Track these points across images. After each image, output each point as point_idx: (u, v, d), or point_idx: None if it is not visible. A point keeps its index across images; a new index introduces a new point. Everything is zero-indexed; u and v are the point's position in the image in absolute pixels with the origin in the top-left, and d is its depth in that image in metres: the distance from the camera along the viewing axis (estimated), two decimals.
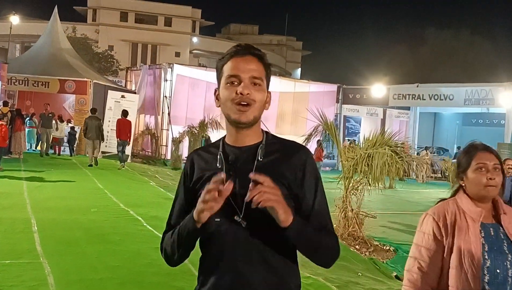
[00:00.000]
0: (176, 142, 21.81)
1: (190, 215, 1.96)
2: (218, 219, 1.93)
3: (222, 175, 1.85)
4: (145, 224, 8.75)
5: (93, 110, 19.15)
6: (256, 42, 76.42)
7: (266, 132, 2.17)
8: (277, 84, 29.68)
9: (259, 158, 2.02)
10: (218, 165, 2.04)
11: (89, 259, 6.58)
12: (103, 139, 19.18)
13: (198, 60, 65.57)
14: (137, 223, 8.86)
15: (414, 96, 30.06)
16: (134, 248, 7.22)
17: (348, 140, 33.57)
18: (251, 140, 2.08)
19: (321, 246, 2.02)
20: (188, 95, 26.35)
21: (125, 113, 18.68)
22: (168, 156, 23.77)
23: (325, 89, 30.74)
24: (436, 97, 29.04)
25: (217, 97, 2.13)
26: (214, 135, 23.36)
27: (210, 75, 27.53)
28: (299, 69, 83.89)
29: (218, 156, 2.07)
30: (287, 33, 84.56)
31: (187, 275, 6.24)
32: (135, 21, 63.49)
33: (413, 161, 10.98)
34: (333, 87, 31.24)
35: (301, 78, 51.51)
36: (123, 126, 18.39)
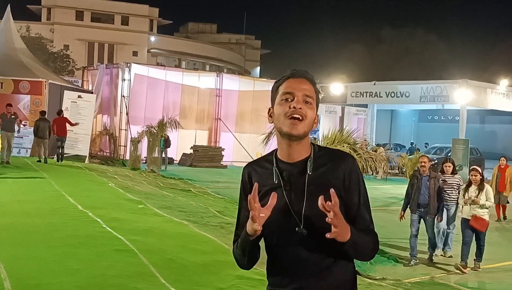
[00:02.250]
0: (135, 142, 21.56)
1: (244, 231, 2.25)
2: (301, 229, 2.22)
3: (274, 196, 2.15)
4: (104, 226, 8.63)
5: (43, 113, 20.09)
6: (214, 41, 76.33)
7: (313, 144, 2.36)
8: (236, 83, 29.69)
9: (309, 172, 2.24)
10: (274, 180, 2.28)
11: (48, 263, 6.46)
12: (49, 138, 19.87)
13: (156, 59, 64.98)
14: (96, 225, 8.73)
15: (371, 93, 30.48)
16: (94, 251, 7.11)
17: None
18: (301, 154, 2.28)
19: (368, 248, 2.28)
20: (147, 94, 26.10)
21: (59, 112, 20.32)
22: (127, 157, 23.49)
23: None
24: (392, 94, 29.52)
25: (270, 115, 2.34)
26: (174, 135, 23.24)
27: (169, 74, 27.39)
28: (258, 68, 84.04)
29: (274, 172, 2.30)
30: (246, 32, 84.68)
31: (148, 277, 6.19)
32: (91, 20, 62.52)
33: (370, 158, 11.14)
34: None
35: (260, 77, 51.58)
36: (60, 123, 19.91)
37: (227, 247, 7.80)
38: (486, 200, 8.98)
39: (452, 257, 9.75)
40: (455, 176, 10.18)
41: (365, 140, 23.30)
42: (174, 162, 25.69)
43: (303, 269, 2.24)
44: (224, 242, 8.23)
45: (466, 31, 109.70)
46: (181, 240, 8.27)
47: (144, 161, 21.77)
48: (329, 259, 2.25)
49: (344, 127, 16.22)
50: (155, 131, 20.86)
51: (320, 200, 2.06)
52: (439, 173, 10.15)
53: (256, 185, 2.14)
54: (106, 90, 26.79)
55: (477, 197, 8.97)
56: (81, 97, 22.10)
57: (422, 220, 9.55)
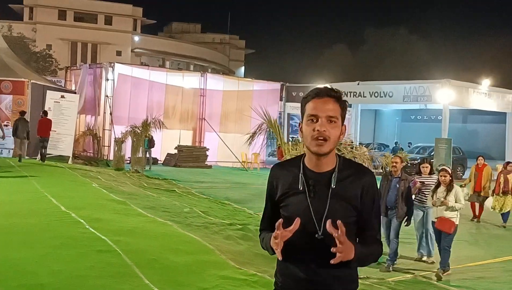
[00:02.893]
0: (119, 142, 21.45)
1: (268, 238, 2.55)
2: (320, 235, 2.49)
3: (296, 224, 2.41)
4: (87, 227, 8.56)
5: (22, 113, 20.33)
6: (198, 41, 76.19)
7: (338, 156, 2.62)
8: (220, 82, 29.66)
9: (332, 186, 2.51)
10: (299, 187, 2.55)
11: (29, 264, 6.39)
12: (28, 139, 20.06)
13: (140, 59, 64.70)
14: (79, 226, 8.66)
15: (355, 93, 30.58)
16: (76, 252, 7.06)
17: (292, 137, 33.87)
18: (327, 166, 2.56)
19: (371, 259, 2.61)
20: (131, 94, 26.02)
21: (45, 113, 20.49)
22: (111, 157, 23.38)
23: (269, 87, 30.91)
24: (376, 94, 29.65)
25: (300, 129, 2.60)
26: (158, 135, 23.15)
27: (153, 74, 27.31)
28: (243, 68, 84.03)
29: (300, 179, 2.56)
30: (230, 32, 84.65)
31: (131, 278, 6.16)
32: (74, 19, 62.07)
33: (354, 157, 11.20)
34: (277, 86, 31.47)
35: (244, 77, 51.61)
36: (44, 124, 20.12)
37: (211, 247, 7.78)
38: (456, 202, 8.61)
39: (434, 262, 9.35)
40: (433, 176, 9.80)
41: (351, 141, 23.44)
42: (159, 162, 25.62)
43: (317, 267, 2.52)
44: (208, 242, 8.22)
45: (448, 31, 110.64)
46: (164, 240, 8.23)
47: (128, 162, 21.68)
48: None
49: None
50: (139, 131, 20.77)
51: (328, 223, 2.37)
52: (416, 175, 9.93)
53: (297, 220, 2.40)
54: (90, 90, 26.64)
55: (445, 199, 8.61)
56: (64, 97, 21.94)
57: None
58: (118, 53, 61.30)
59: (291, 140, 33.29)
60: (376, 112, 43.85)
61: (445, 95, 26.45)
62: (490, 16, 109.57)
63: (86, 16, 62.70)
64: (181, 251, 7.55)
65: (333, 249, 2.34)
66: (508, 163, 14.91)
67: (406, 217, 9.12)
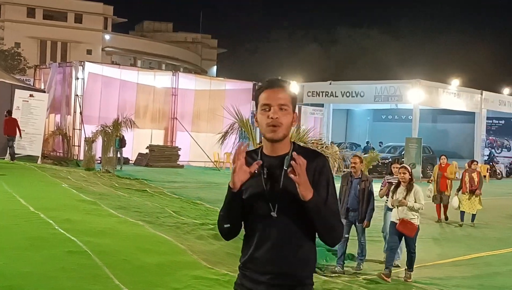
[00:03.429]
0: (89, 142, 21.19)
1: (228, 187, 2.65)
2: (274, 213, 2.63)
3: (258, 163, 2.62)
4: (57, 227, 8.44)
5: None
6: (170, 40, 75.79)
7: (294, 142, 2.79)
8: (192, 82, 29.54)
9: (285, 168, 2.64)
10: (256, 171, 2.66)
11: None
12: None
13: (111, 58, 64.06)
14: (48, 227, 8.53)
15: (327, 93, 30.82)
16: (45, 253, 6.95)
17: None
18: (281, 151, 2.72)
19: (333, 226, 2.65)
20: (101, 93, 25.75)
21: (9, 112, 20.28)
22: (81, 157, 23.08)
23: (241, 86, 30.87)
24: (348, 94, 29.92)
25: (256, 119, 2.77)
26: (129, 135, 22.94)
27: (124, 73, 27.06)
28: (215, 67, 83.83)
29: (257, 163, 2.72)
30: (202, 31, 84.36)
31: (102, 279, 6.09)
32: (43, 17, 61.11)
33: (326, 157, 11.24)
34: (249, 85, 31.44)
35: (217, 76, 51.46)
36: (11, 123, 19.90)
37: (183, 248, 7.74)
38: (415, 202, 8.19)
39: (399, 266, 8.92)
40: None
41: (320, 139, 23.48)
42: (130, 162, 25.40)
43: (272, 247, 2.63)
44: (180, 242, 8.17)
45: (417, 32, 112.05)
46: (136, 241, 8.16)
47: (98, 161, 21.44)
48: (295, 239, 2.64)
49: (301, 126, 16.31)
50: (110, 131, 20.55)
51: (292, 161, 2.50)
52: (387, 176, 9.62)
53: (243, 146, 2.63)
54: (59, 89, 26.28)
55: (404, 198, 8.19)
56: (33, 96, 21.59)
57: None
58: (89, 52, 60.61)
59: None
60: (348, 112, 44.21)
61: (415, 95, 26.82)
62: (458, 17, 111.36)
63: (56, 14, 61.81)
64: (152, 252, 7.49)
65: (292, 176, 2.49)
66: (472, 161, 14.86)
67: (364, 217, 8.76)
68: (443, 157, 14.85)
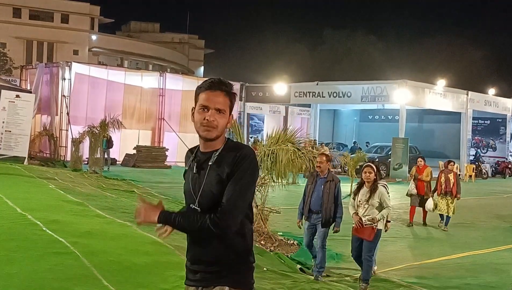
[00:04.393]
0: (76, 142, 21.11)
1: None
2: (194, 206, 2.82)
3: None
4: (44, 229, 8.39)
5: None
6: (157, 40, 75.59)
7: (228, 139, 2.88)
8: (180, 82, 29.51)
9: (209, 163, 2.78)
10: (189, 164, 2.91)
11: None
12: None
13: (98, 58, 63.74)
14: (35, 228, 8.49)
15: (314, 93, 30.88)
16: (32, 254, 6.92)
17: (251, 137, 33.98)
18: (213, 147, 2.83)
19: (199, 227, 2.71)
20: (88, 94, 25.66)
21: None
22: (68, 158, 22.99)
23: None
24: (335, 94, 30.00)
25: (193, 115, 2.85)
26: (116, 135, 22.88)
27: (111, 74, 26.98)
28: (202, 67, 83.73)
29: (191, 158, 2.93)
30: (189, 31, 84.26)
31: (90, 279, 6.08)
32: (29, 17, 60.64)
33: (314, 157, 11.28)
34: (236, 85, 31.45)
35: (204, 76, 51.41)
36: None
37: (171, 248, 7.74)
38: (381, 205, 7.54)
39: (375, 273, 8.49)
40: (380, 181, 8.33)
41: (312, 140, 23.56)
42: (117, 162, 25.32)
43: (196, 239, 2.84)
44: (168, 243, 8.16)
45: (403, 32, 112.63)
46: (123, 241, 8.15)
47: (86, 162, 21.35)
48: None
49: (288, 126, 16.34)
50: (97, 131, 20.48)
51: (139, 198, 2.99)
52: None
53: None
54: (46, 90, 26.15)
55: (368, 201, 7.51)
56: (19, 97, 21.43)
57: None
58: (75, 52, 60.26)
59: (251, 139, 33.37)
60: (335, 112, 44.39)
61: (402, 95, 26.97)
62: (443, 17, 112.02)
63: (42, 14, 61.38)
64: (140, 252, 7.49)
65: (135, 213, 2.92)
66: (449, 161, 14.05)
67: (334, 222, 8.09)
68: (419, 159, 14.31)
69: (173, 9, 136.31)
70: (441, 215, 13.57)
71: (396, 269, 9.15)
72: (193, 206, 2.81)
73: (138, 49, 67.83)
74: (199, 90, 2.84)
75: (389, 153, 27.63)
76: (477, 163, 32.39)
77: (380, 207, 7.58)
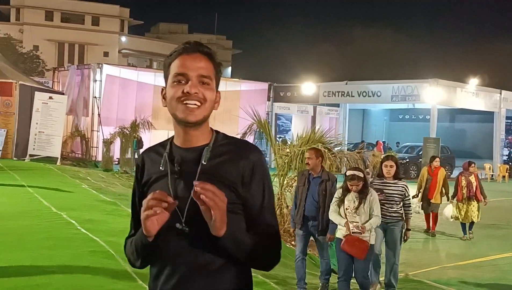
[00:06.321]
0: (107, 143, 21.40)
1: (140, 230, 1.88)
2: (180, 225, 1.88)
3: (170, 199, 1.77)
4: (79, 228, 8.55)
5: None
6: (185, 41, 76.03)
7: (217, 132, 2.04)
8: None
9: (203, 162, 1.91)
10: (161, 167, 1.96)
11: (23, 266, 6.38)
12: None
13: (127, 60, 64.49)
14: (71, 227, 8.64)
15: (343, 93, 30.70)
16: (69, 253, 7.05)
17: (279, 137, 33.99)
18: (199, 141, 1.97)
19: (258, 254, 1.94)
20: (119, 95, 25.95)
21: None
22: (99, 158, 23.30)
23: (256, 87, 30.91)
24: (364, 94, 29.78)
25: (163, 96, 2.03)
26: (146, 136, 23.11)
27: (140, 75, 27.26)
28: (230, 68, 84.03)
29: (163, 159, 1.97)
30: (217, 32, 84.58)
31: (125, 278, 6.17)
32: (61, 20, 61.66)
33: (345, 157, 11.25)
34: (264, 86, 31.48)
35: (231, 77, 51.59)
36: None
37: None
38: (371, 213, 6.19)
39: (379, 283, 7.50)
40: (398, 182, 6.99)
41: (338, 140, 23.40)
42: None
43: (185, 269, 1.91)
44: None
45: (434, 30, 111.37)
46: None
47: (116, 163, 21.62)
48: (217, 261, 1.90)
49: (316, 126, 16.30)
50: (127, 132, 20.75)
51: (196, 182, 1.74)
52: (375, 179, 7.25)
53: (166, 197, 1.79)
54: (77, 91, 26.54)
55: (357, 209, 6.18)
56: (52, 98, 21.80)
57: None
58: (105, 54, 61.02)
59: (278, 140, 33.37)
60: (364, 112, 44.08)
61: (433, 94, 26.64)
62: (476, 15, 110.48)
63: (73, 17, 62.34)
64: None
65: (203, 208, 1.75)
66: (470, 163, 12.34)
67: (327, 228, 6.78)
68: (436, 159, 12.90)
69: (201, 10, 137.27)
70: (463, 226, 12.05)
71: (428, 270, 9.06)
72: (179, 226, 1.87)
73: (167, 50, 67.73)
74: (169, 58, 2.00)
75: (420, 153, 27.33)
76: (510, 163, 31.87)
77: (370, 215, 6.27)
